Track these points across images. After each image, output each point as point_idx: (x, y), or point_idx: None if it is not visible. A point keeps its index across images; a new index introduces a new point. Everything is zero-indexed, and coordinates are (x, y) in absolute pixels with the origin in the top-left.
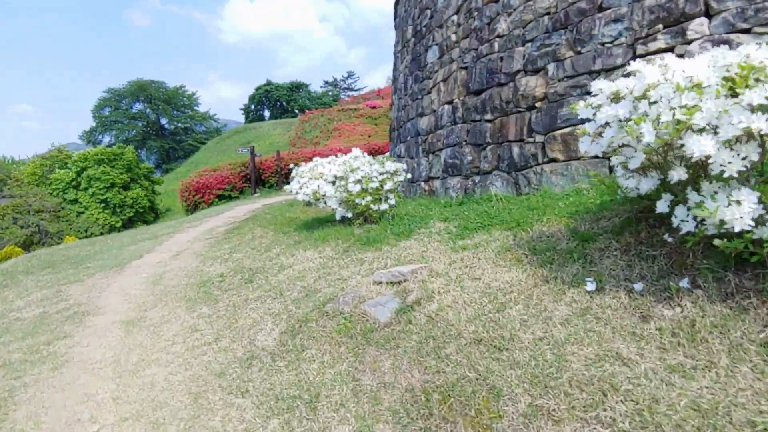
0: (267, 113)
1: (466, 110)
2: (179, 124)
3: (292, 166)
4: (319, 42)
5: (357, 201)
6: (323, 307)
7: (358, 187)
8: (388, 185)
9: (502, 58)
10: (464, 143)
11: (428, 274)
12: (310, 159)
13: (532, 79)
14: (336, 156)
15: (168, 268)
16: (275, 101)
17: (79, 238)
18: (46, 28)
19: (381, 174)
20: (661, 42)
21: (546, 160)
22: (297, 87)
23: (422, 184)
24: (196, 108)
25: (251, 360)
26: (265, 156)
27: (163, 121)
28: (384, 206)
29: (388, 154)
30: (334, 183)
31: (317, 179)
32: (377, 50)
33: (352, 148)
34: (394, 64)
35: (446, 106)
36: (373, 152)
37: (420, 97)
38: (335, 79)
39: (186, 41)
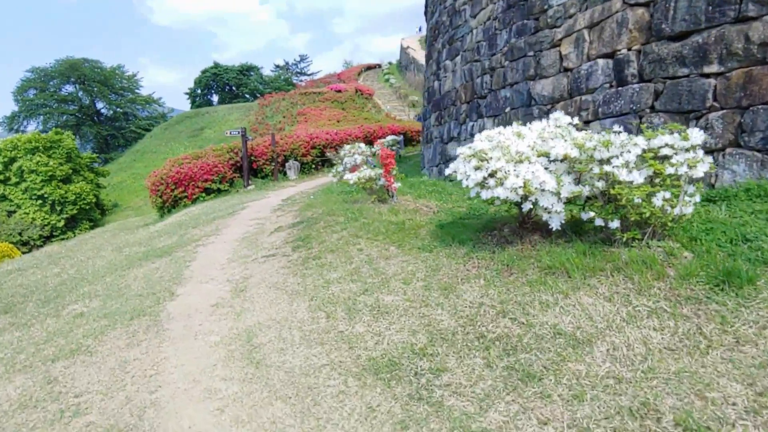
0: (215, 98)
1: (651, 63)
2: (119, 109)
3: (360, 146)
4: (261, 25)
5: (636, 200)
6: None
7: (637, 176)
8: (701, 169)
9: None
10: (648, 110)
11: None
12: (308, 143)
13: None
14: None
15: (253, 322)
16: (224, 85)
17: (13, 243)
18: None
19: (676, 152)
20: None
21: None
22: (247, 70)
23: None
24: (137, 91)
25: None
26: (257, 141)
27: (100, 105)
28: (688, 208)
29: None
30: (546, 169)
31: (520, 163)
32: (322, 35)
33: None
34: (441, 24)
35: (600, 61)
36: (369, 137)
37: (531, 53)
38: (287, 63)
39: (114, 21)
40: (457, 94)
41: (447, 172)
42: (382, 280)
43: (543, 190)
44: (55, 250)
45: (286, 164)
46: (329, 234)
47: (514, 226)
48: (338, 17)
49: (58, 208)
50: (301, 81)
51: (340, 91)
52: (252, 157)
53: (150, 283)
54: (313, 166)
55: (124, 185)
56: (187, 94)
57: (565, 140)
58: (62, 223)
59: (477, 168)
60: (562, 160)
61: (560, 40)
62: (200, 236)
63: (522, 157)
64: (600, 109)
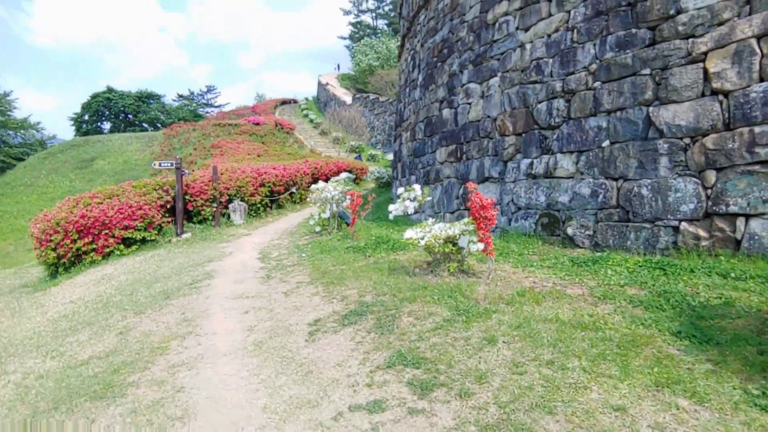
0: (107, 125)
1: None
2: None
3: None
4: (157, 54)
5: None
6: None
7: None
8: None
9: None
10: None
11: None
12: (257, 180)
13: None
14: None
15: None
16: (119, 112)
17: None
18: None
19: None
20: None
21: None
22: (147, 97)
23: (683, 226)
24: (9, 114)
25: None
26: (195, 175)
27: None
28: None
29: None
30: None
31: None
32: (226, 68)
33: None
34: (456, 41)
35: None
36: (315, 174)
37: (646, 71)
38: (192, 93)
39: None
40: (495, 123)
41: None
42: None
43: None
44: None
45: (230, 205)
46: (470, 352)
47: None
48: (244, 51)
49: None
50: (208, 112)
51: (258, 124)
52: (187, 196)
53: None
54: (262, 207)
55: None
56: (72, 119)
57: None
58: None
59: None
60: None
61: (704, 53)
62: (164, 337)
63: None
64: None
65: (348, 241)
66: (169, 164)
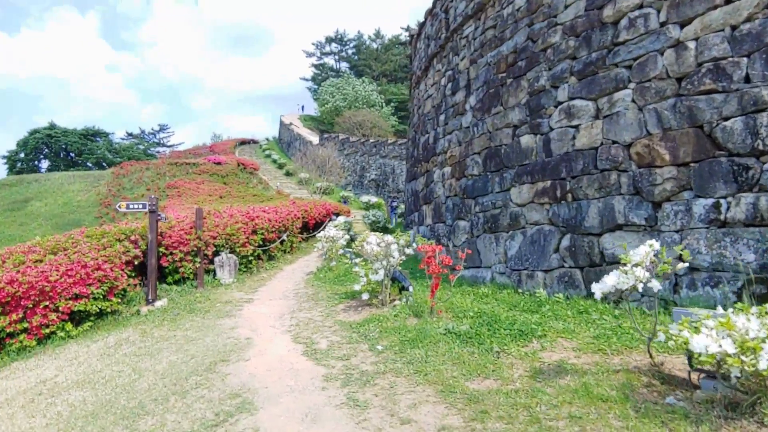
0: (45, 164)
1: None
2: None
3: None
4: (105, 93)
5: None
6: None
7: None
8: None
9: None
10: None
11: None
12: (248, 226)
13: None
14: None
15: None
16: (60, 150)
17: None
18: None
19: None
20: None
21: None
22: (94, 135)
23: None
24: None
25: None
26: (170, 217)
27: None
28: None
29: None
30: None
31: None
32: (177, 108)
33: None
34: (540, 50)
35: None
36: (305, 217)
37: None
38: (143, 132)
39: None
40: (630, 151)
41: None
42: None
43: None
44: None
45: (216, 259)
46: None
47: None
48: (197, 91)
49: None
50: (160, 152)
51: (219, 163)
52: (161, 249)
53: None
54: (254, 260)
55: None
56: (5, 158)
57: None
58: None
59: None
60: None
61: None
62: None
63: None
64: None
65: (430, 319)
66: (141, 206)
